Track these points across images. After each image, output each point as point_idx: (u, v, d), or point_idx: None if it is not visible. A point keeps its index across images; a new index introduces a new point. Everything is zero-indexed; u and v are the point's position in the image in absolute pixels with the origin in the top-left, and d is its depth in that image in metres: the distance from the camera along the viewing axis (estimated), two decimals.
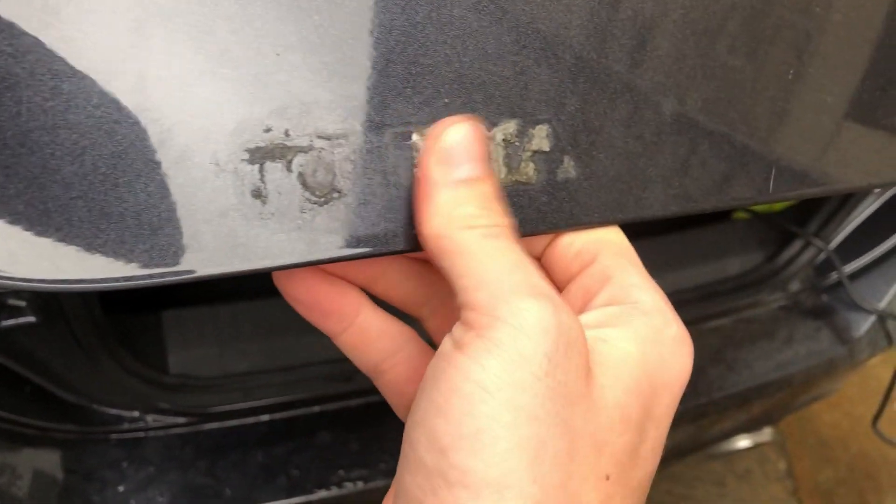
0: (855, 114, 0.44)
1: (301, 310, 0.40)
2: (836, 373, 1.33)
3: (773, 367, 1.22)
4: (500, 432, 0.30)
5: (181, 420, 0.91)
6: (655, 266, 1.21)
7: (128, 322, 0.95)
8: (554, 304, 0.32)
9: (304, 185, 0.32)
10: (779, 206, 1.39)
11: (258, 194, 0.31)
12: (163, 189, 0.29)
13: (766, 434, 1.70)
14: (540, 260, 0.40)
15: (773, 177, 0.42)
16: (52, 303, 0.75)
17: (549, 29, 0.35)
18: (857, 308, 1.29)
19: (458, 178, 0.33)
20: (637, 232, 1.23)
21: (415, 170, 0.34)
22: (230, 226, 0.30)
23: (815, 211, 1.29)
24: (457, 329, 0.33)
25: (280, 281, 0.39)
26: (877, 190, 1.27)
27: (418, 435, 0.32)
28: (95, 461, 0.88)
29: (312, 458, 0.93)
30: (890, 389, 1.30)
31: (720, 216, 1.42)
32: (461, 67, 0.34)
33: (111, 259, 0.29)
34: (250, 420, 0.94)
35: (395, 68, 0.33)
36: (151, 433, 0.90)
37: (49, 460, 0.85)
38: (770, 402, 1.30)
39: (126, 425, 0.89)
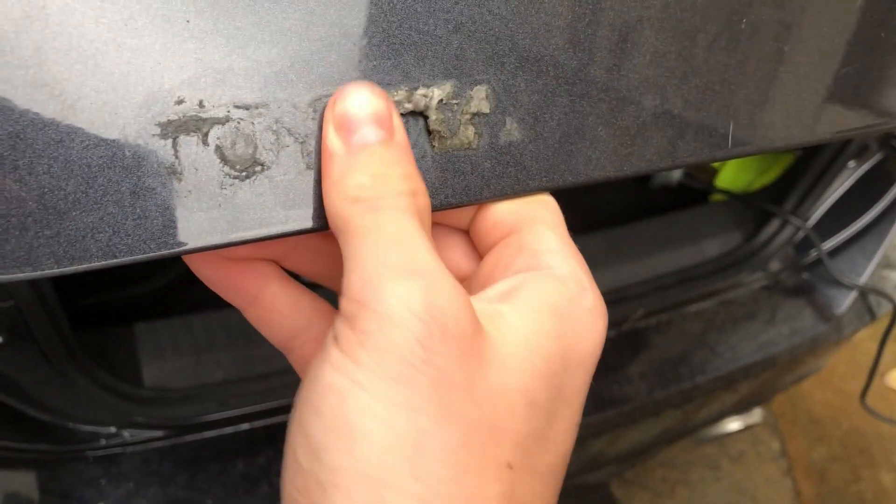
0: (814, 64, 0.43)
1: (206, 282, 0.38)
2: (821, 350, 1.32)
3: (757, 348, 1.22)
4: (373, 427, 0.28)
5: (159, 433, 0.90)
6: (633, 253, 1.21)
7: (99, 337, 0.94)
8: (427, 285, 0.29)
9: (223, 158, 0.30)
10: (756, 186, 1.39)
11: (173, 171, 0.29)
12: (67, 170, 0.27)
13: (757, 415, 1.70)
14: (469, 232, 0.39)
15: (731, 132, 0.41)
16: (18, 321, 0.73)
17: None
18: (838, 284, 1.29)
19: (356, 143, 0.31)
20: (613, 219, 1.23)
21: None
22: (143, 206, 0.29)
23: (792, 189, 1.29)
24: (337, 319, 0.30)
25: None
26: (851, 165, 1.27)
27: (295, 436, 0.30)
28: (72, 480, 0.86)
29: None
30: (876, 364, 1.30)
31: (698, 199, 1.42)
32: (389, 27, 0.32)
33: (12, 248, 0.27)
34: (229, 430, 0.93)
35: (317, 30, 0.31)
36: (129, 448, 0.89)
37: (24, 482, 0.84)
38: (756, 383, 1.30)
39: (103, 441, 0.88)
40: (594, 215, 1.34)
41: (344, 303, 0.30)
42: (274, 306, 0.38)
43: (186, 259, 0.36)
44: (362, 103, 0.31)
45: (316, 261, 0.39)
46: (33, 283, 0.71)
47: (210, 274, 0.37)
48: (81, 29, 0.27)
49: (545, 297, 0.33)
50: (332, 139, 0.31)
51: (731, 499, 1.85)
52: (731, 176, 1.42)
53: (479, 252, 0.38)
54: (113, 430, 0.88)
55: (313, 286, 0.41)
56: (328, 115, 0.32)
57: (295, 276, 0.40)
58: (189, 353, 0.97)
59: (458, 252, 0.39)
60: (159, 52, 0.28)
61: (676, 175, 1.45)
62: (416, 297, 0.29)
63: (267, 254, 0.38)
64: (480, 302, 0.33)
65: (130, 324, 0.96)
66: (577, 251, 0.36)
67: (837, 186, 1.28)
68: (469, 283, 0.38)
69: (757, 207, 1.33)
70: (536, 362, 0.31)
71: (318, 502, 0.28)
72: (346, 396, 0.28)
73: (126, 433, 0.88)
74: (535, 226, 0.36)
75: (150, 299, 1.07)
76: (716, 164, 1.46)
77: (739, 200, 1.37)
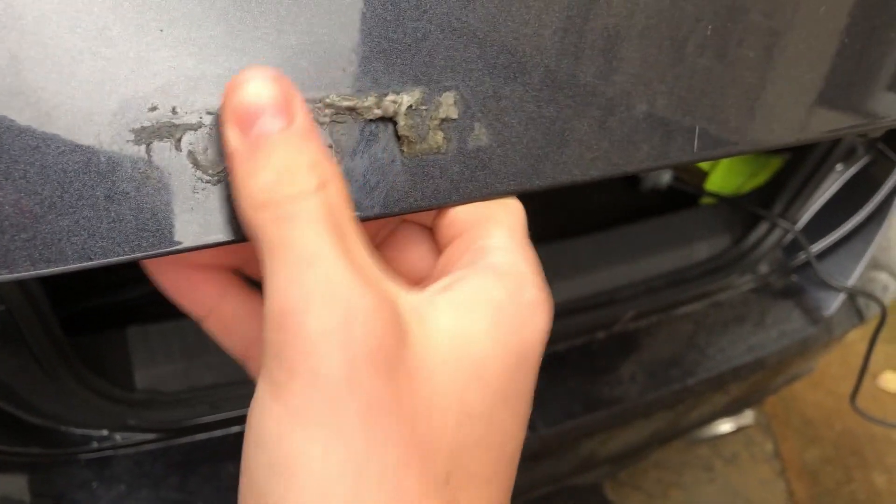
0: (780, 68, 0.44)
1: (165, 293, 0.37)
2: (810, 352, 1.33)
3: (747, 350, 1.22)
4: (310, 465, 0.27)
5: (150, 436, 0.90)
6: (623, 256, 1.22)
7: (91, 341, 0.94)
8: (345, 309, 0.28)
9: (196, 163, 0.31)
10: (745, 190, 1.39)
11: (146, 176, 0.30)
12: (43, 175, 0.28)
13: (749, 417, 1.70)
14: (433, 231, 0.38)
15: (696, 136, 0.42)
16: (10, 326, 0.74)
17: None
18: (827, 287, 1.29)
19: (254, 136, 0.28)
20: (603, 222, 1.23)
21: None
22: (118, 210, 0.29)
23: (780, 193, 1.30)
24: (265, 352, 0.29)
25: (144, 263, 0.35)
26: (839, 168, 1.28)
27: (247, 487, 0.29)
28: (65, 483, 0.86)
29: None
30: (865, 366, 1.31)
31: (687, 202, 1.43)
32: (359, 35, 0.33)
33: None
34: (220, 432, 0.93)
35: (287, 38, 0.32)
36: (121, 451, 0.89)
37: (16, 485, 0.84)
38: (747, 385, 1.30)
39: (94, 445, 0.88)
40: (585, 218, 1.35)
41: (268, 332, 0.29)
42: (233, 316, 0.38)
43: (145, 268, 0.36)
44: (257, 91, 0.29)
45: None
46: (24, 288, 0.71)
47: (168, 284, 0.37)
48: (57, 38, 0.28)
49: (480, 292, 0.32)
50: (230, 136, 0.29)
51: (724, 500, 1.86)
52: (721, 179, 1.42)
53: (439, 249, 0.38)
54: (105, 433, 0.88)
55: None
56: (223, 110, 0.30)
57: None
58: (180, 357, 0.97)
59: (423, 249, 0.38)
60: (133, 60, 0.29)
61: (666, 178, 1.46)
62: (335, 324, 0.27)
63: (229, 260, 0.38)
64: (418, 295, 0.32)
65: (122, 328, 0.96)
66: (529, 248, 0.35)
67: (825, 189, 1.29)
68: (428, 280, 0.37)
69: (746, 211, 1.33)
70: (468, 368, 0.30)
71: None
72: (281, 439, 0.27)
73: (118, 436, 0.88)
74: (486, 224, 0.35)
75: (142, 303, 1.08)
76: (705, 168, 1.47)
77: (729, 204, 1.37)
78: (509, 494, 0.32)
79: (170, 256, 0.34)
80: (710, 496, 1.85)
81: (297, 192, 0.28)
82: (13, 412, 0.82)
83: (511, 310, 0.32)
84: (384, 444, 0.28)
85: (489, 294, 0.32)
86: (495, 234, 0.35)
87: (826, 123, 0.47)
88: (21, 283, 0.70)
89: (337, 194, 0.29)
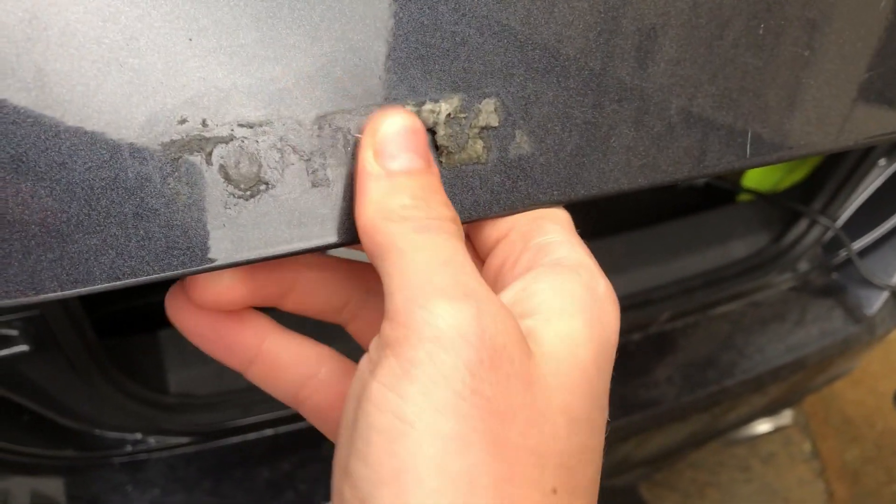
0: (833, 72, 0.42)
1: (201, 344, 0.37)
2: (852, 352, 1.30)
3: (786, 350, 1.20)
4: (424, 471, 0.26)
5: (184, 440, 0.91)
6: (658, 255, 1.20)
7: (125, 344, 0.95)
8: (480, 306, 0.28)
9: (227, 178, 0.30)
10: (783, 185, 1.37)
11: (176, 192, 0.29)
12: (70, 193, 0.27)
13: (787, 417, 1.68)
14: (469, 238, 0.38)
15: (749, 141, 0.40)
16: (44, 330, 0.74)
17: None
18: (869, 285, 1.27)
19: (395, 169, 0.31)
20: (638, 220, 1.22)
21: (354, 162, 0.32)
22: (147, 228, 0.29)
23: (820, 189, 1.27)
24: (373, 345, 0.30)
25: (174, 315, 0.36)
26: (881, 163, 1.25)
27: (341, 483, 0.28)
28: (99, 486, 0.87)
29: (319, 471, 0.92)
30: None
31: (724, 199, 1.41)
32: (394, 41, 0.32)
33: (16, 271, 0.27)
34: (254, 436, 0.93)
35: (321, 46, 0.31)
36: (155, 455, 0.90)
37: (52, 488, 0.85)
38: (786, 385, 1.28)
39: (129, 448, 0.89)
40: (620, 217, 1.33)
41: (387, 327, 0.29)
42: (277, 359, 0.37)
43: (178, 321, 0.36)
44: (402, 131, 0.31)
45: (319, 295, 0.38)
46: None
47: (205, 334, 0.36)
48: (83, 50, 0.27)
49: (564, 291, 0.32)
50: (370, 162, 0.31)
51: (761, 500, 1.83)
52: (759, 175, 1.40)
53: (477, 253, 0.37)
54: (139, 436, 0.89)
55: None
56: (366, 139, 0.32)
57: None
58: (214, 360, 0.97)
59: None
60: (161, 71, 0.28)
61: None
62: (467, 320, 0.28)
63: (266, 294, 0.37)
64: None
65: (155, 331, 0.96)
66: (580, 239, 0.35)
67: (867, 185, 1.26)
68: None
69: (785, 207, 1.31)
70: (574, 375, 0.30)
71: None
72: (393, 438, 0.27)
73: (152, 439, 0.89)
74: (539, 221, 0.35)
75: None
76: None
77: (767, 200, 1.35)
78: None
79: (197, 307, 0.34)
80: (746, 497, 1.83)
81: (437, 216, 0.31)
82: (48, 415, 0.83)
83: (594, 306, 0.32)
84: (498, 453, 0.27)
85: (574, 294, 0.32)
86: (551, 229, 0.35)
87: (885, 125, 0.45)
88: None
89: (461, 229, 0.32)
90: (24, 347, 0.73)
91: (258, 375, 0.37)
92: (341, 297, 0.39)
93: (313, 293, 0.38)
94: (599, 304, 0.32)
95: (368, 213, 0.31)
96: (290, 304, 0.38)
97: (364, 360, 0.30)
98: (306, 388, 0.37)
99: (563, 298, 0.32)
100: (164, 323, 0.97)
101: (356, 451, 0.28)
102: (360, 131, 0.32)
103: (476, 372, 0.27)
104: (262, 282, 0.36)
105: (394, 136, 0.31)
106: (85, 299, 0.77)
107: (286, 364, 0.37)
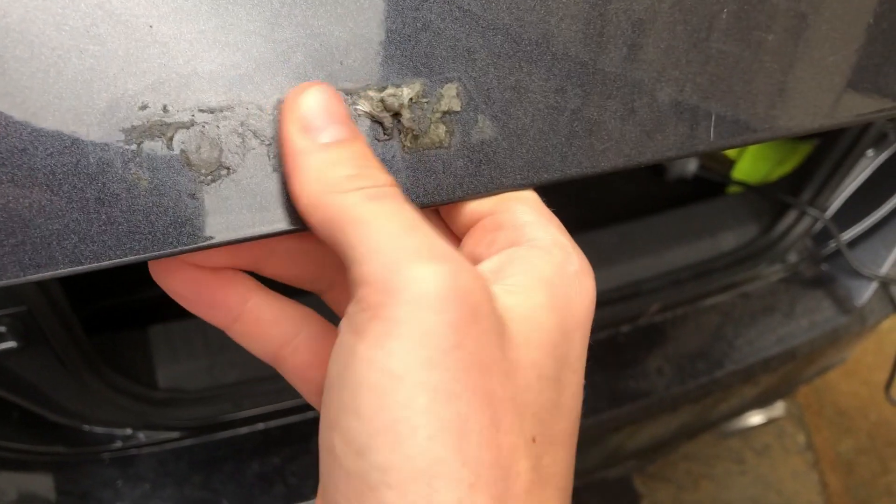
0: (802, 51, 0.42)
1: (185, 304, 0.37)
2: (842, 342, 1.30)
3: (776, 341, 1.20)
4: (417, 419, 0.27)
5: (174, 434, 0.91)
6: (648, 247, 1.20)
7: (114, 340, 0.95)
8: (454, 267, 0.29)
9: (188, 163, 0.30)
10: (773, 177, 1.37)
11: (138, 177, 0.29)
12: (31, 178, 0.27)
13: (780, 408, 1.68)
14: (440, 213, 0.38)
15: (712, 123, 0.40)
16: (32, 327, 0.74)
17: None
18: (858, 276, 1.27)
19: (327, 141, 0.31)
20: (628, 212, 1.21)
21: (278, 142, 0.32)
22: (109, 213, 0.29)
23: (809, 180, 1.27)
24: (352, 309, 0.30)
25: (158, 275, 0.36)
26: (870, 154, 1.25)
27: (333, 438, 0.29)
28: (90, 482, 0.87)
29: (309, 464, 0.92)
30: None
31: (714, 191, 1.41)
32: (355, 26, 0.32)
33: None
34: (244, 430, 0.94)
35: (282, 31, 0.31)
36: (145, 449, 0.90)
37: (42, 484, 0.85)
38: (777, 377, 1.28)
39: (119, 443, 0.89)
40: (609, 208, 1.33)
41: (365, 292, 0.29)
42: (259, 318, 0.37)
43: (161, 281, 0.36)
44: (324, 103, 0.31)
45: (295, 263, 0.39)
46: (43, 288, 0.71)
47: (188, 292, 0.37)
48: (43, 36, 0.27)
49: (533, 270, 0.33)
50: (298, 138, 0.31)
51: (756, 492, 1.83)
52: (748, 167, 1.40)
53: (453, 232, 0.38)
54: (129, 431, 0.89)
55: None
56: (289, 117, 0.31)
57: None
58: (203, 355, 0.97)
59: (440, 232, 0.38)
60: (122, 57, 0.28)
61: (692, 167, 1.44)
62: (445, 279, 0.28)
63: (243, 261, 0.37)
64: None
65: (144, 326, 0.97)
66: (555, 218, 0.35)
67: (856, 176, 1.26)
68: None
69: (774, 199, 1.31)
70: (539, 336, 0.31)
71: (368, 503, 0.28)
72: (384, 392, 0.28)
73: (142, 434, 0.89)
74: (509, 202, 0.36)
75: (164, 301, 1.08)
76: (732, 156, 1.44)
77: (756, 192, 1.35)
78: (574, 456, 0.34)
79: (181, 265, 0.34)
80: (741, 488, 1.83)
81: (383, 182, 0.31)
82: (37, 411, 0.83)
83: (562, 283, 0.33)
84: (484, 402, 0.28)
85: (540, 272, 0.33)
86: (521, 210, 0.35)
87: (853, 108, 0.45)
88: (40, 284, 0.71)
89: (402, 191, 0.32)
90: (11, 344, 0.73)
91: (240, 333, 0.38)
92: (317, 267, 0.39)
93: (290, 261, 0.39)
94: (568, 280, 0.33)
95: (311, 189, 0.31)
96: (269, 270, 0.39)
97: (344, 323, 0.30)
98: (286, 348, 0.38)
99: (529, 274, 0.33)
100: (154, 318, 0.97)
101: (346, 406, 0.29)
102: (277, 109, 0.32)
103: (458, 327, 0.28)
104: (239, 248, 0.36)
105: (318, 109, 0.31)
106: (73, 295, 0.77)
107: (269, 323, 0.38)
